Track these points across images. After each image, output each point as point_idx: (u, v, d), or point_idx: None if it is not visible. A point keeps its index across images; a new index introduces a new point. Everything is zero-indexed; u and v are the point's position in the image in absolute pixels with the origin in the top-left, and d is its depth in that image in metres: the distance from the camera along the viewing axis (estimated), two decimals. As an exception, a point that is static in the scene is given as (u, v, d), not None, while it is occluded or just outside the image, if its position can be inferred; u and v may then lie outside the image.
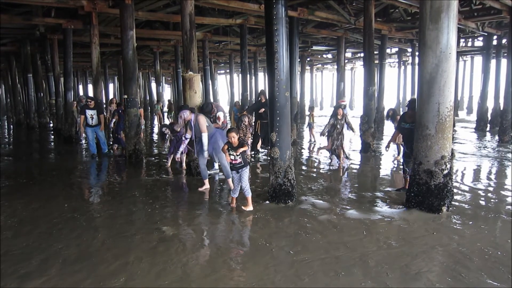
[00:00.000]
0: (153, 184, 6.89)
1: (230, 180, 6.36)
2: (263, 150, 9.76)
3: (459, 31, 14.37)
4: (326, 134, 8.65)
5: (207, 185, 6.43)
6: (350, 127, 8.59)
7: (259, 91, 10.63)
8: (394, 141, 6.78)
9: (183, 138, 6.63)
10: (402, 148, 6.61)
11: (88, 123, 9.34)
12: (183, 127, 6.69)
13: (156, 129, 17.08)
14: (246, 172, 5.24)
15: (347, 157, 8.81)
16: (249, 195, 5.26)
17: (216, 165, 7.49)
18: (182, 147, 6.72)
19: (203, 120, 6.20)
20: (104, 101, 16.43)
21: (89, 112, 9.22)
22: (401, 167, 6.31)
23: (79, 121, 9.87)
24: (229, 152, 5.12)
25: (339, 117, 8.43)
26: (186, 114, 6.29)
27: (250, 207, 5.23)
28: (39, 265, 3.72)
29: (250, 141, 8.61)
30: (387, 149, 6.34)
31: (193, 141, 6.44)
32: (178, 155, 6.97)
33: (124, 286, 3.33)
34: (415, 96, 5.41)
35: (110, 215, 5.24)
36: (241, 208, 5.21)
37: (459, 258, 3.75)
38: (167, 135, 7.98)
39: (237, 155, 5.08)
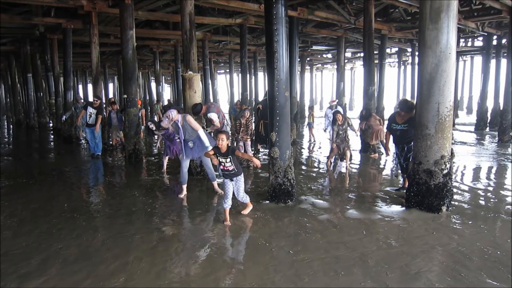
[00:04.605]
0: (152, 184, 6.89)
1: (215, 183, 6.21)
2: (263, 150, 9.75)
3: (459, 31, 14.39)
4: (335, 141, 8.22)
5: (185, 191, 6.08)
6: (352, 129, 8.30)
7: (265, 91, 10.46)
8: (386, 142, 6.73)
9: (175, 139, 6.19)
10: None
11: (86, 121, 9.38)
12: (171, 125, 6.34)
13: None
14: (241, 182, 4.85)
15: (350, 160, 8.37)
16: (246, 201, 5.03)
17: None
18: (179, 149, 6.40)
19: (193, 118, 5.92)
20: (103, 102, 16.44)
21: (90, 110, 9.26)
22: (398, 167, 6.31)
23: (78, 115, 9.89)
24: (218, 158, 4.70)
25: (339, 122, 8.02)
26: (174, 114, 5.82)
27: (249, 208, 5.10)
28: (39, 265, 3.72)
29: (248, 141, 8.32)
30: (388, 154, 6.36)
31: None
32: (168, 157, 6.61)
33: (124, 286, 3.33)
34: (407, 97, 5.43)
35: (109, 215, 5.24)
36: (241, 213, 5.03)
37: (458, 258, 3.76)
38: (154, 131, 7.51)
39: (227, 162, 4.66)
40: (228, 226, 4.69)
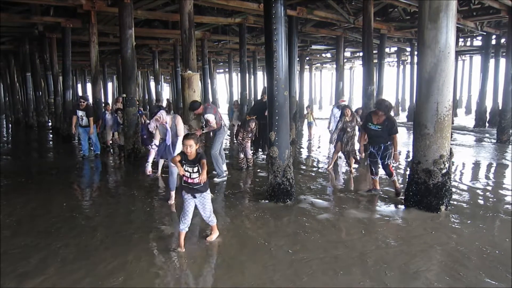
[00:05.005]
0: (152, 183, 6.88)
1: (173, 193, 5.62)
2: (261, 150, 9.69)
3: (458, 30, 14.37)
4: (335, 140, 7.68)
5: (173, 198, 5.63)
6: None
7: (262, 89, 10.39)
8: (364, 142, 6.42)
9: (150, 147, 5.52)
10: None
11: (79, 124, 9.23)
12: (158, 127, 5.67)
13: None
14: (207, 199, 4.03)
15: (357, 162, 7.72)
16: (214, 223, 4.20)
17: (224, 166, 7.11)
18: (152, 155, 5.52)
19: (182, 122, 5.65)
20: (103, 100, 16.41)
21: (79, 113, 9.11)
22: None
23: (73, 121, 9.57)
24: (183, 167, 3.89)
25: (347, 118, 7.41)
26: (164, 115, 5.45)
27: (215, 234, 4.25)
28: (38, 264, 3.71)
29: (248, 144, 8.21)
30: (363, 154, 6.06)
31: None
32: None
33: (123, 286, 3.32)
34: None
35: (109, 214, 5.24)
36: (206, 240, 4.19)
37: (457, 257, 3.76)
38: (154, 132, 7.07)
39: (194, 172, 3.87)
40: (182, 252, 3.91)
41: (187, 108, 7.08)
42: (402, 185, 6.07)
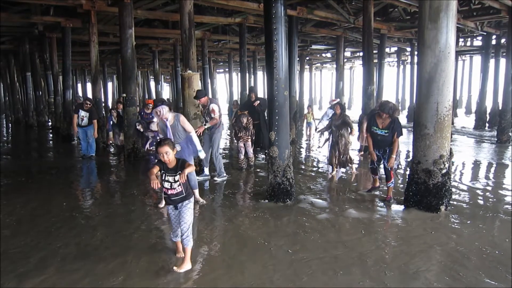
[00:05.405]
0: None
1: (196, 191, 5.45)
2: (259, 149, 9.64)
3: (458, 30, 14.40)
4: (324, 136, 7.42)
5: (164, 202, 4.89)
6: (350, 127, 7.01)
7: (249, 88, 10.31)
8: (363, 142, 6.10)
9: (151, 137, 5.31)
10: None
11: (78, 123, 9.19)
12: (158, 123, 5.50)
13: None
14: (189, 208, 3.56)
15: (349, 165, 7.30)
16: (188, 245, 3.55)
17: (206, 170, 7.04)
18: (148, 143, 5.49)
19: (186, 119, 5.41)
20: (103, 101, 16.39)
21: (81, 113, 9.09)
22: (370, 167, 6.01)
23: (73, 120, 9.43)
24: (163, 177, 3.48)
25: (335, 116, 7.06)
26: (165, 110, 5.13)
27: (187, 265, 3.54)
28: (38, 264, 3.71)
29: (249, 142, 8.21)
30: (375, 158, 5.70)
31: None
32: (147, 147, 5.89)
33: (123, 285, 3.32)
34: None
35: (109, 213, 5.24)
36: (174, 269, 3.52)
37: (457, 257, 3.76)
38: (143, 132, 6.82)
39: (175, 181, 3.45)
40: (181, 255, 3.73)
41: (188, 109, 7.06)
42: (394, 191, 6.05)
